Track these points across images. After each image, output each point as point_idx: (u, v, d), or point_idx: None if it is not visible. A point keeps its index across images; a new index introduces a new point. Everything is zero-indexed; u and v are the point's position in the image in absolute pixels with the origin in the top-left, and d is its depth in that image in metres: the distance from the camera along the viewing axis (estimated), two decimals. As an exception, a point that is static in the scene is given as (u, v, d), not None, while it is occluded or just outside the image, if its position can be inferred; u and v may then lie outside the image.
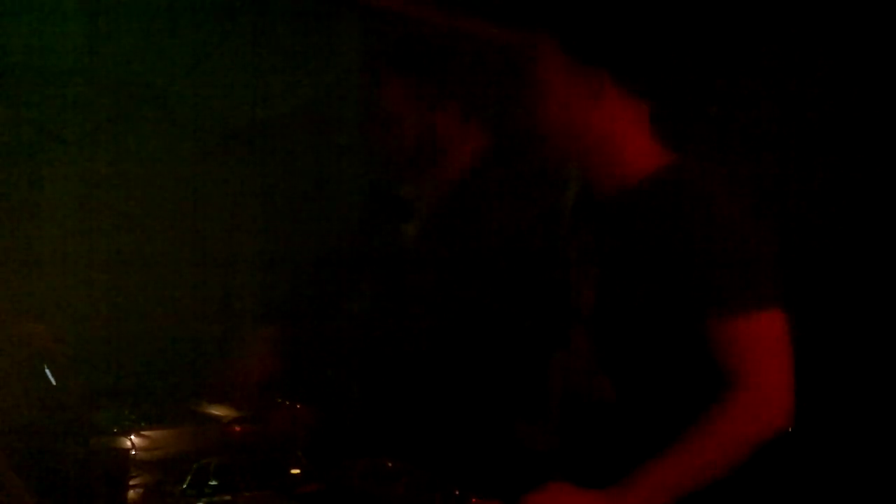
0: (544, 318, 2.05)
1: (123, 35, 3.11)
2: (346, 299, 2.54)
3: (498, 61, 2.42)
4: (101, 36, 3.07)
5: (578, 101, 1.75)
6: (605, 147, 1.77)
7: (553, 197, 2.18)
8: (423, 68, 2.30)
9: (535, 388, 2.16)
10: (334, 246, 2.69)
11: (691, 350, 1.68)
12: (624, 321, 1.76)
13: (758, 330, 1.64)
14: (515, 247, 2.22)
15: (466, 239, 2.28)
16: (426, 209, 2.39)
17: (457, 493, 1.82)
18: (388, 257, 2.42)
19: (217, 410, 2.34)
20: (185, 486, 1.82)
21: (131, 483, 1.83)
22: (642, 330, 1.74)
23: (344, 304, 2.54)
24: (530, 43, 1.78)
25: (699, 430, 1.62)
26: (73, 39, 3.04)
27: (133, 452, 1.99)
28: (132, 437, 2.07)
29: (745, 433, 1.62)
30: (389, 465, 1.91)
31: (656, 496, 1.61)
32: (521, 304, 2.19)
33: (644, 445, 1.67)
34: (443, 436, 2.22)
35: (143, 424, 2.18)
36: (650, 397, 1.76)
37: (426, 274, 2.32)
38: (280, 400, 2.32)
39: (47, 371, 1.95)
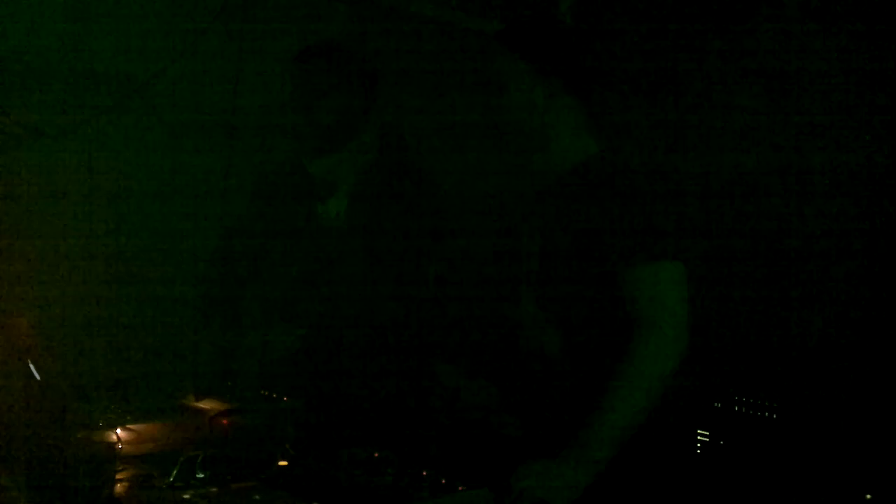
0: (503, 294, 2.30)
1: (107, 30, 3.10)
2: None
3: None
4: (85, 31, 3.07)
5: (534, 100, 2.11)
6: (550, 140, 2.13)
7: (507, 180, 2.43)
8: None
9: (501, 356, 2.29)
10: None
11: (614, 301, 1.99)
12: (561, 282, 2.08)
13: (658, 276, 1.95)
14: (472, 223, 2.38)
15: (417, 214, 2.47)
16: (355, 185, 2.47)
17: (443, 482, 1.83)
18: (316, 237, 2.48)
19: (204, 403, 2.34)
20: (172, 478, 1.82)
21: (118, 476, 1.83)
22: (576, 288, 2.05)
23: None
24: (504, 57, 2.13)
25: (619, 376, 1.91)
26: (57, 34, 3.03)
27: (119, 446, 1.99)
28: (118, 430, 2.07)
29: (658, 361, 1.91)
30: (376, 455, 1.91)
31: (607, 446, 1.88)
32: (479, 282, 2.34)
33: (579, 379, 2.03)
34: (426, 424, 2.24)
35: (129, 418, 2.18)
36: (586, 343, 2.07)
37: (364, 255, 2.40)
38: (266, 392, 2.33)
39: (31, 365, 1.94)
